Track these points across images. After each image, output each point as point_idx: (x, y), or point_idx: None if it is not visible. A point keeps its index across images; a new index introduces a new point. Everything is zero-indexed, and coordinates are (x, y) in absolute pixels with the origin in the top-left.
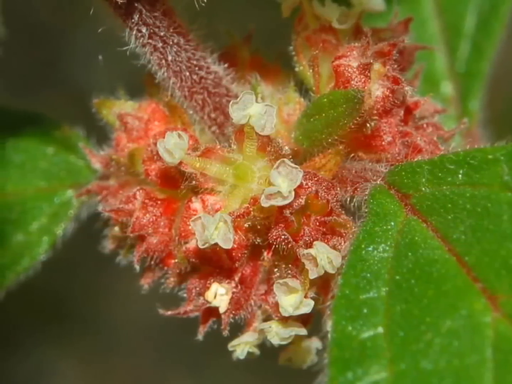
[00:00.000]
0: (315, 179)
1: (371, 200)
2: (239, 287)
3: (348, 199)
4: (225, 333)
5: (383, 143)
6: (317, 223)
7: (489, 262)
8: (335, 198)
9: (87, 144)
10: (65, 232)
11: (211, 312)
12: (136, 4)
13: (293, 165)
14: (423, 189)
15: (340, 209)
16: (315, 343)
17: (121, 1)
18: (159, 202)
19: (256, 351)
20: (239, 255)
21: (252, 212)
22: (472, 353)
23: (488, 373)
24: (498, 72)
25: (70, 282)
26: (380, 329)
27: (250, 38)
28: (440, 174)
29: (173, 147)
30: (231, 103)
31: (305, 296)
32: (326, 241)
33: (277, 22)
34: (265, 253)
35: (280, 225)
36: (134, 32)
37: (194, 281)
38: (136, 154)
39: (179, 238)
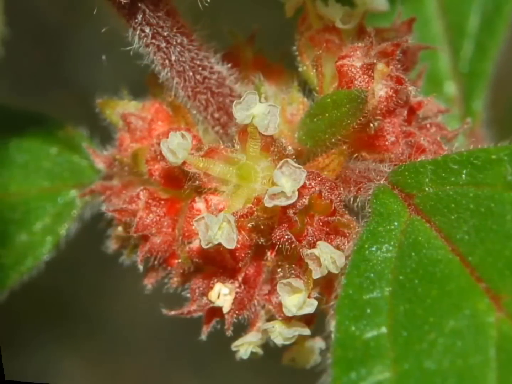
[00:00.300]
0: (319, 179)
1: (375, 200)
2: (243, 287)
3: (352, 199)
4: (229, 333)
5: (387, 143)
6: (321, 223)
7: (493, 262)
8: (338, 198)
9: (91, 144)
10: (68, 232)
11: (215, 312)
12: (139, 4)
13: (296, 165)
14: (427, 189)
15: (343, 209)
16: (318, 343)
17: (124, 1)
18: (162, 202)
19: (260, 351)
20: (243, 255)
21: (255, 212)
22: (476, 353)
23: (492, 373)
24: (501, 72)
25: (74, 282)
26: (384, 329)
27: (254, 38)
28: (443, 174)
29: (177, 147)
30: (234, 103)
31: (309, 296)
32: (329, 241)
33: (281, 22)
34: (268, 253)
35: (283, 225)
36: (138, 32)
37: (198, 281)
38: (140, 154)
39: (183, 238)
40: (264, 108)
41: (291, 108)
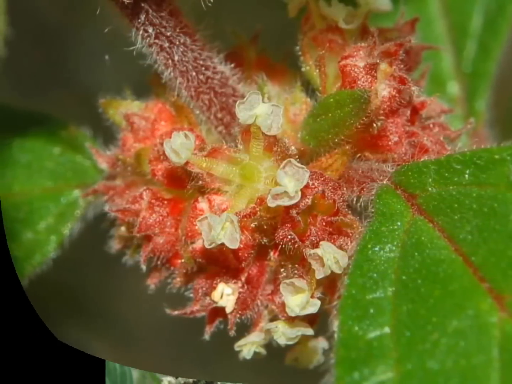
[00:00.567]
0: (322, 179)
1: (378, 200)
2: (246, 287)
3: (355, 199)
4: (232, 333)
5: (390, 143)
6: (324, 223)
7: (496, 262)
8: (341, 198)
9: (94, 144)
10: (71, 232)
11: (218, 312)
12: (142, 4)
13: (299, 165)
14: (430, 189)
15: (346, 209)
16: (321, 343)
17: (127, 1)
18: (165, 202)
19: (263, 351)
20: (246, 255)
21: (258, 212)
22: (479, 353)
23: (495, 373)
24: (504, 72)
25: (77, 282)
26: (387, 329)
27: (257, 38)
28: (446, 174)
29: (180, 147)
30: (237, 103)
31: (312, 296)
32: (332, 241)
33: (284, 22)
34: (271, 253)
35: (286, 225)
36: (141, 32)
37: (201, 281)
38: (143, 154)
39: (186, 238)
40: (267, 108)
41: (294, 108)
